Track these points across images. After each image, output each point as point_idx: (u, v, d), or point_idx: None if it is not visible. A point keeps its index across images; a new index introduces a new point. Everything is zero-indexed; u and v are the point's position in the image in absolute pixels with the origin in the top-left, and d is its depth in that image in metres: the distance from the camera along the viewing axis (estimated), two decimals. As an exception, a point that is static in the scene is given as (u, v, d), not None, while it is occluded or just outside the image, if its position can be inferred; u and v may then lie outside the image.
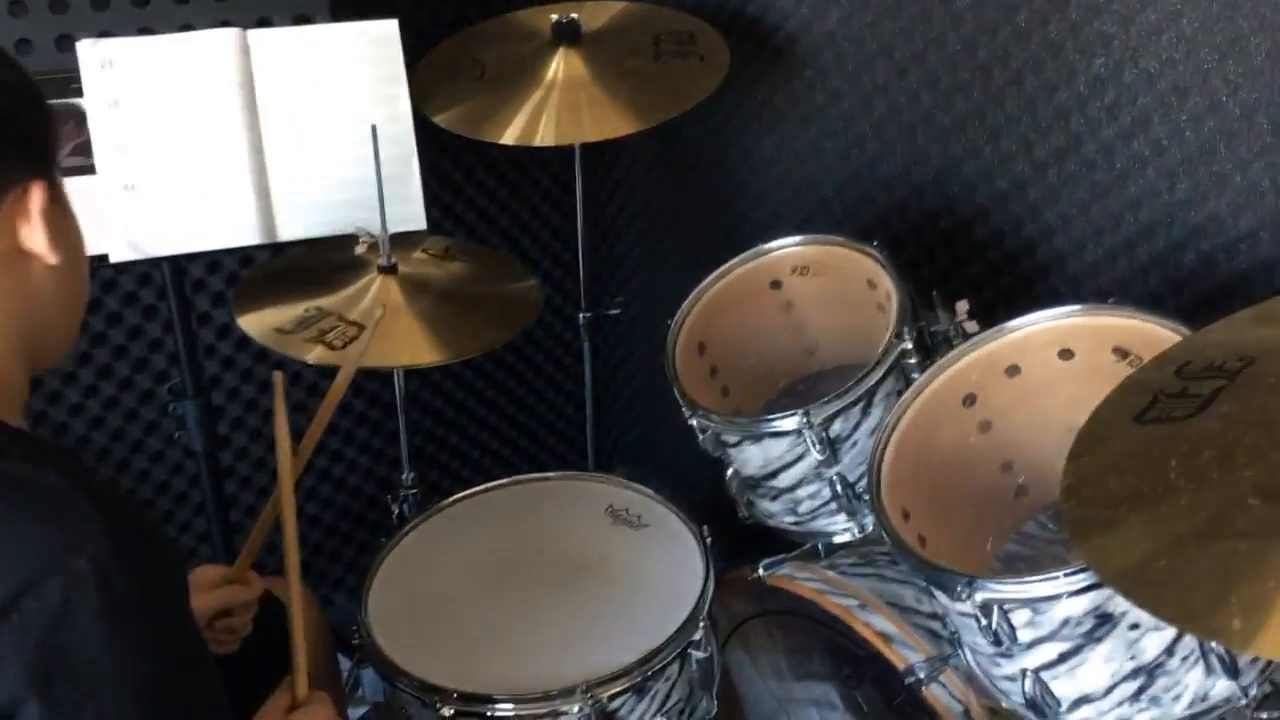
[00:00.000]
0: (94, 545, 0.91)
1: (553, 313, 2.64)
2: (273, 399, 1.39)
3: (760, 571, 1.69)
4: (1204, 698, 1.26)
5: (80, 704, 0.91)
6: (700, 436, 1.70)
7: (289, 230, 1.80)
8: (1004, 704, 1.39)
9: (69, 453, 1.11)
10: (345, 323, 1.71)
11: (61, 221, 1.06)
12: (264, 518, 1.48)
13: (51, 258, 1.04)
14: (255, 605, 1.50)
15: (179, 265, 1.90)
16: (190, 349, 1.94)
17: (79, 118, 1.71)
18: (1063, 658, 1.27)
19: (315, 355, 1.68)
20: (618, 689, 1.48)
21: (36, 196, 1.02)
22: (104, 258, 1.72)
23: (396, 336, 1.72)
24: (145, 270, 2.15)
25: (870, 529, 1.67)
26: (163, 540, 1.02)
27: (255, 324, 1.74)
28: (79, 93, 1.70)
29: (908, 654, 1.51)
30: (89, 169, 1.71)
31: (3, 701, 0.89)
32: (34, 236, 1.02)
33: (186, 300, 1.95)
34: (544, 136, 1.87)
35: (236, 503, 2.36)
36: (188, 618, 1.01)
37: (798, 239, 1.81)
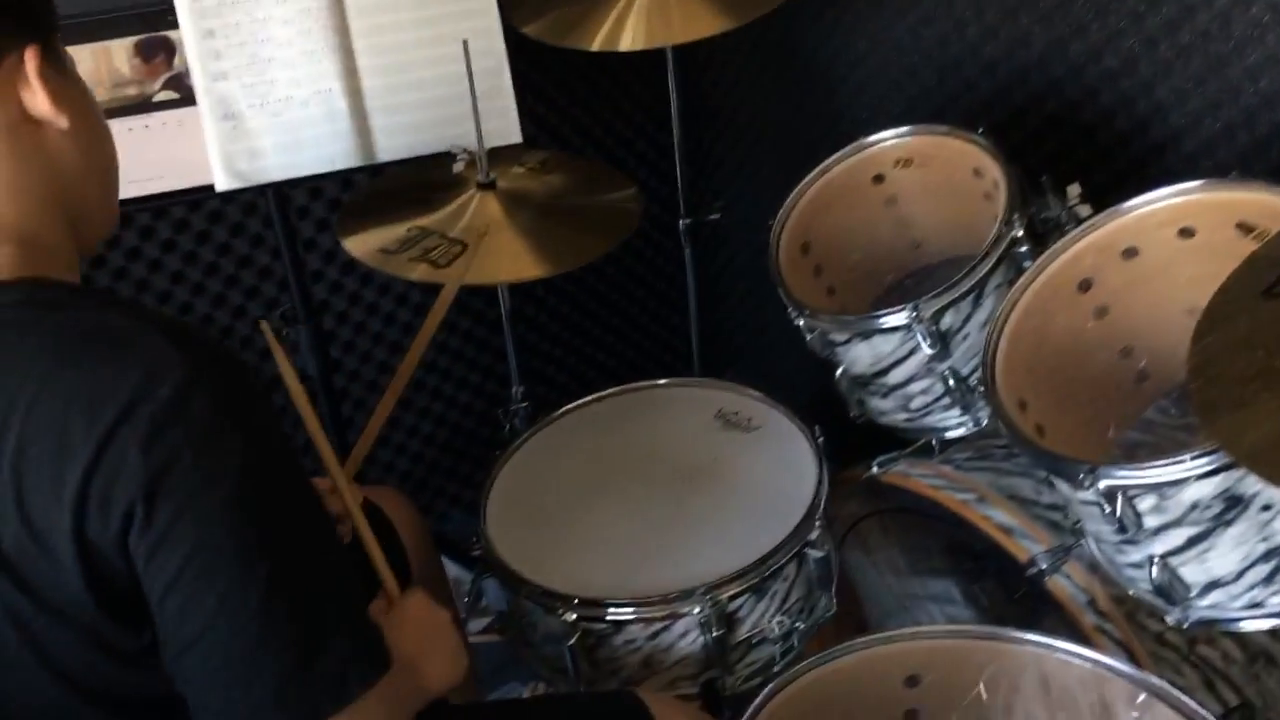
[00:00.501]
0: (171, 372, 0.95)
1: (652, 221, 2.62)
2: (270, 347, 1.42)
3: (874, 469, 1.68)
4: (1339, 577, 1.23)
5: (179, 513, 0.94)
6: (808, 337, 1.69)
7: (387, 151, 1.81)
8: (1131, 592, 1.37)
9: (131, 300, 1.09)
10: (447, 240, 1.72)
11: (64, 85, 1.06)
12: (370, 427, 1.53)
13: (60, 120, 1.05)
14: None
15: (283, 193, 1.93)
16: (299, 274, 1.97)
17: (170, 49, 1.73)
18: (1191, 542, 1.24)
19: (420, 273, 1.69)
20: (736, 590, 1.49)
21: (31, 59, 1.03)
22: (210, 188, 1.75)
23: (499, 252, 1.72)
24: (250, 199, 2.18)
25: (985, 423, 1.64)
26: (235, 358, 1.03)
27: (360, 246, 1.75)
28: (174, 24, 1.72)
29: (1029, 546, 1.50)
30: (186, 100, 1.73)
31: (119, 518, 0.94)
32: (36, 100, 1.03)
33: (292, 227, 1.97)
34: (632, 40, 1.84)
35: (352, 425, 2.40)
36: (275, 431, 1.03)
37: (899, 130, 1.77)
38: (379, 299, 2.39)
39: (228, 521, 0.96)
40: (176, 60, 1.75)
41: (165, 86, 1.75)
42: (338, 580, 1.05)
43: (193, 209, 2.18)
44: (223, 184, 1.75)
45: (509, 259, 1.72)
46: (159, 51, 1.73)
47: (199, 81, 1.73)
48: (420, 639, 1.26)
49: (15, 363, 0.97)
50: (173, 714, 1.01)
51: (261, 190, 1.85)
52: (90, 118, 1.11)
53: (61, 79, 1.07)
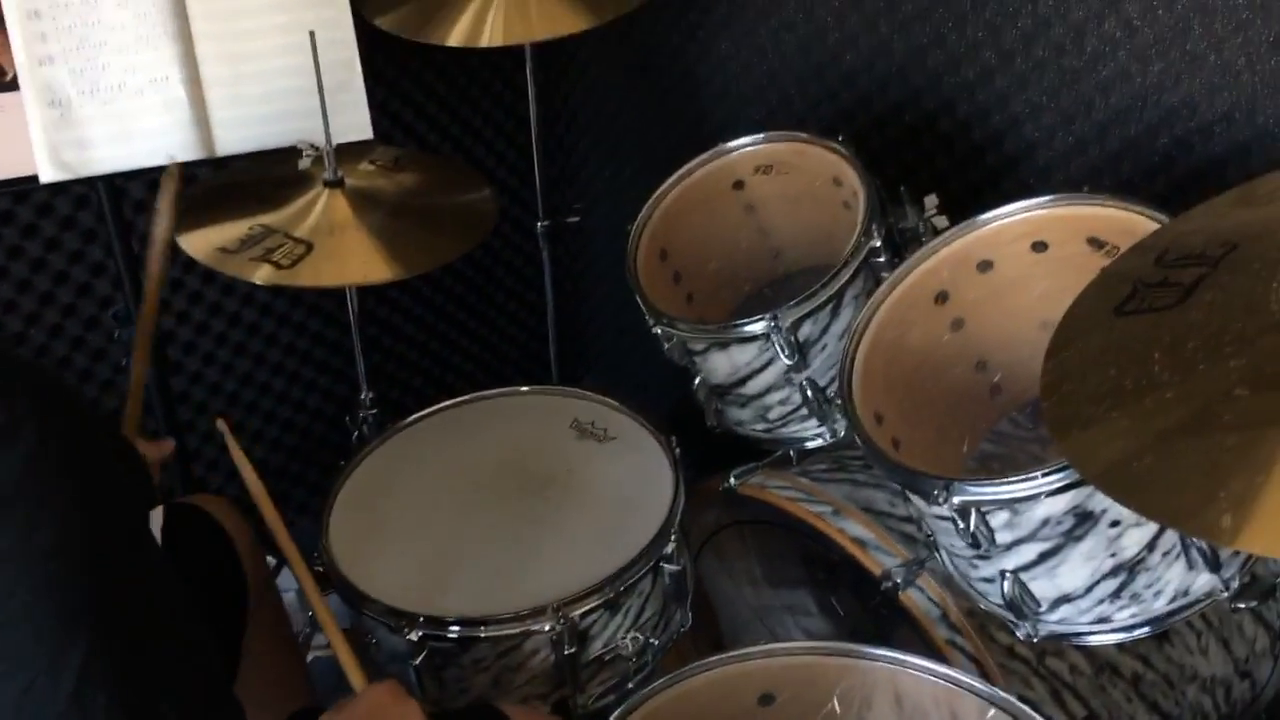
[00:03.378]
0: None
1: (510, 223, 2.57)
2: (227, 448, 1.44)
3: (731, 481, 1.66)
4: (1185, 592, 1.25)
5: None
6: (666, 345, 1.66)
7: (227, 144, 1.73)
8: (982, 605, 1.37)
9: None
10: (292, 240, 1.64)
11: None
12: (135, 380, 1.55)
13: None
14: (158, 471, 1.50)
15: (116, 186, 1.82)
16: (133, 273, 1.87)
17: (-5, 30, 1.62)
18: (1042, 558, 1.24)
19: (262, 275, 1.61)
20: (590, 606, 1.45)
21: None
22: (34, 179, 1.64)
23: (347, 253, 1.65)
24: (82, 192, 2.07)
25: (842, 434, 1.63)
26: (65, 403, 0.94)
27: (198, 244, 1.66)
28: (-5, 2, 1.61)
29: (883, 559, 1.49)
30: (10, 85, 1.62)
31: None
32: None
33: (127, 221, 1.87)
34: (491, 36, 1.79)
35: (192, 429, 2.30)
36: (106, 486, 0.93)
37: (759, 136, 1.75)
38: (222, 298, 2.30)
39: (38, 599, 0.85)
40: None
41: (-12, 69, 1.64)
42: (174, 658, 0.92)
43: (18, 200, 2.06)
44: (47, 175, 1.65)
45: (358, 260, 1.65)
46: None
47: (22, 65, 1.62)
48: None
49: None
50: None
51: (91, 183, 1.74)
52: None
53: None
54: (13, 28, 1.61)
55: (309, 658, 1.88)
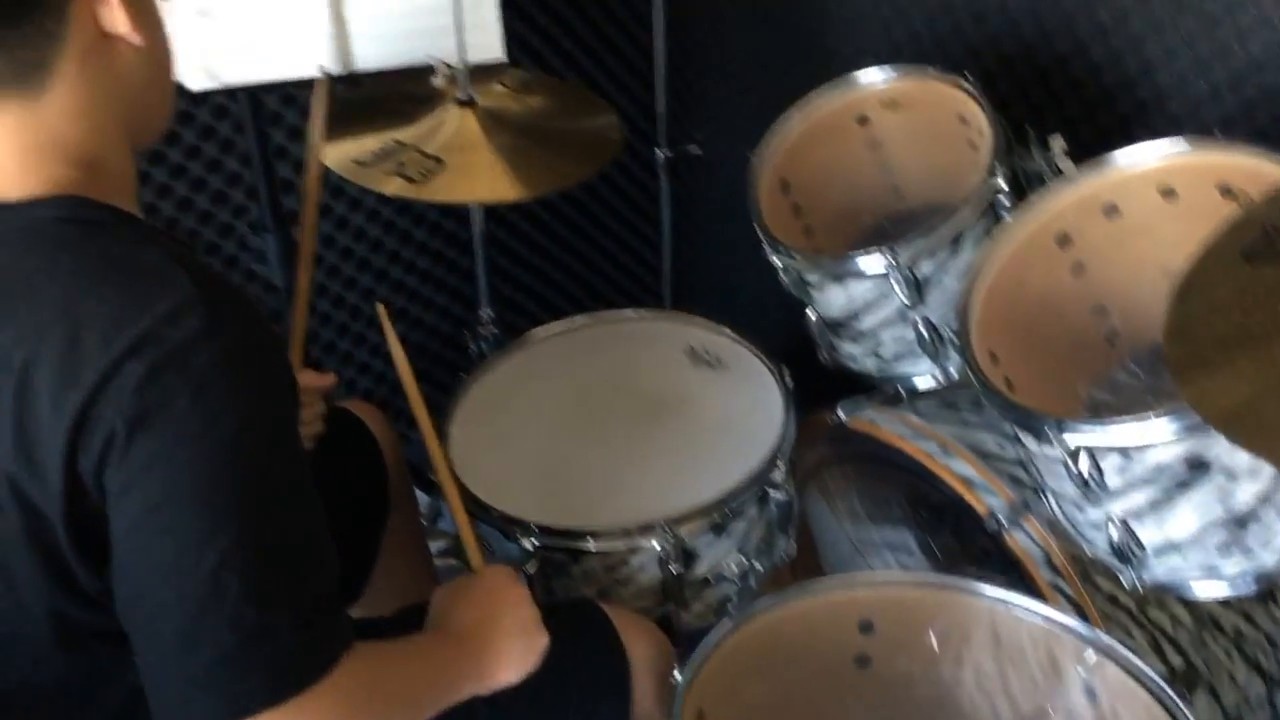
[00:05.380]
0: (188, 317, 0.94)
1: (629, 151, 2.59)
2: (384, 331, 1.46)
3: (840, 415, 1.68)
4: (1296, 546, 1.24)
5: (156, 457, 0.93)
6: (782, 276, 1.67)
7: (365, 59, 1.76)
8: (1088, 550, 1.37)
9: (177, 239, 1.13)
10: (423, 155, 1.68)
11: (139, 1, 1.05)
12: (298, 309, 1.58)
13: (135, 38, 1.04)
14: (320, 401, 1.55)
15: (256, 97, 1.88)
16: (269, 182, 1.93)
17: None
18: (1152, 505, 1.24)
19: (394, 187, 1.65)
20: (697, 526, 1.48)
21: None
22: (179, 86, 1.70)
23: (474, 171, 1.69)
24: (221, 102, 2.13)
25: (954, 375, 1.64)
26: (257, 319, 1.02)
27: (333, 155, 1.71)
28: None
29: (989, 499, 1.50)
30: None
31: (100, 447, 0.93)
32: (114, 17, 1.02)
33: (264, 133, 1.93)
34: (624, -37, 1.80)
35: (316, 339, 2.38)
36: (279, 399, 1.02)
37: (885, 70, 1.75)
38: (349, 213, 2.35)
39: (201, 480, 0.94)
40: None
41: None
42: (303, 566, 1.00)
43: (161, 108, 2.12)
44: (194, 83, 1.70)
45: (485, 179, 1.69)
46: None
47: (173, -25, 1.67)
48: (490, 613, 1.22)
49: (43, 280, 0.97)
50: (129, 652, 0.99)
51: (232, 93, 1.80)
52: (159, 29, 1.09)
53: None
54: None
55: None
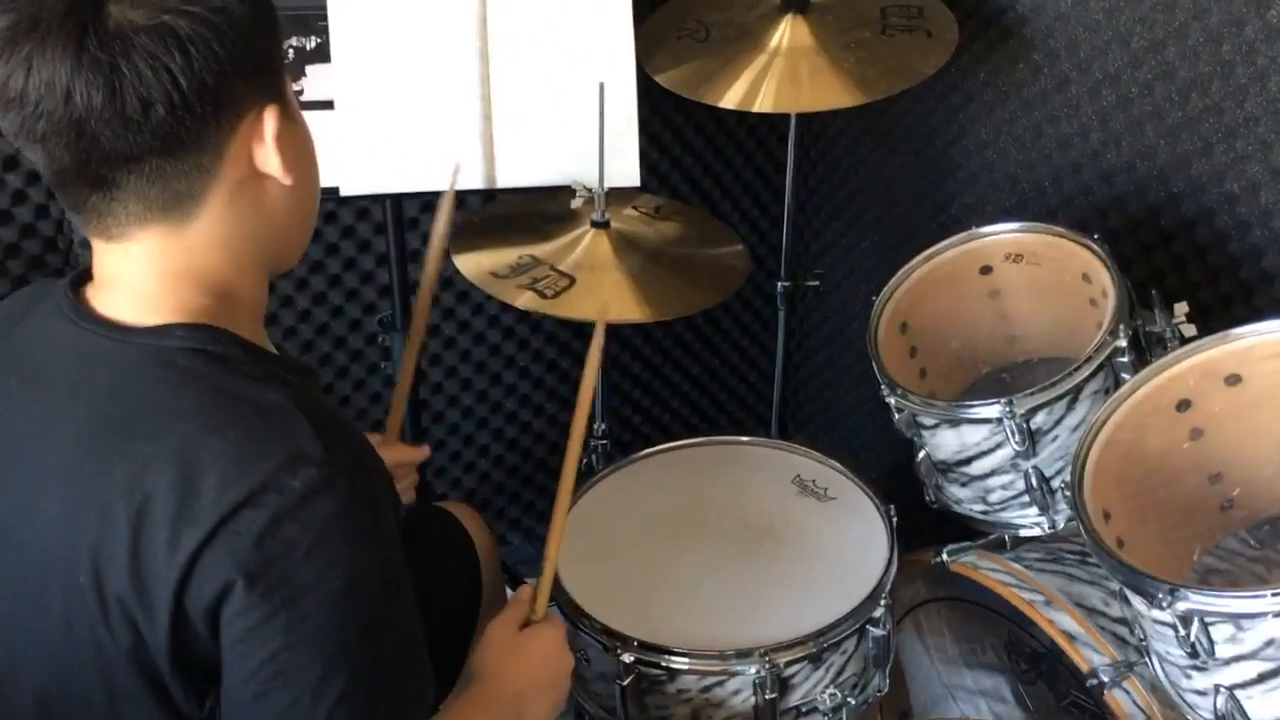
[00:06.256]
0: (307, 466, 0.97)
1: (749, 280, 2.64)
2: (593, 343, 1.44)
3: (944, 556, 1.68)
4: None
5: (276, 609, 0.96)
6: (895, 416, 1.70)
7: (508, 178, 1.84)
8: (1190, 717, 1.36)
9: (303, 371, 1.14)
10: (556, 272, 1.75)
11: (294, 141, 1.07)
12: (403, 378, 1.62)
13: (286, 179, 1.06)
14: (414, 473, 1.60)
15: (398, 203, 1.97)
16: (404, 284, 2.01)
17: (311, 53, 1.77)
18: (1262, 677, 1.23)
19: (525, 300, 1.71)
20: (794, 656, 1.49)
21: (271, 121, 1.04)
22: (334, 190, 1.80)
23: (603, 290, 1.75)
24: (364, 205, 2.23)
25: (1060, 525, 1.64)
26: (374, 465, 1.05)
27: (470, 265, 1.79)
28: (323, 31, 1.77)
29: (1091, 655, 1.49)
30: (325, 104, 1.78)
31: (216, 591, 0.96)
32: (269, 160, 1.04)
33: (403, 237, 2.01)
34: (763, 103, 1.87)
35: (427, 436, 2.44)
36: (392, 543, 1.04)
37: (1015, 225, 1.79)
38: (471, 318, 2.43)
39: (319, 628, 0.97)
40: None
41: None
42: (409, 702, 1.05)
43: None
44: (349, 188, 1.80)
45: (613, 299, 1.74)
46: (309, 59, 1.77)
47: (342, 86, 1.76)
48: (540, 672, 1.28)
49: (167, 413, 1.00)
50: None
51: (380, 198, 1.89)
52: (311, 168, 1.13)
53: (293, 134, 1.08)
54: (337, 53, 1.76)
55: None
